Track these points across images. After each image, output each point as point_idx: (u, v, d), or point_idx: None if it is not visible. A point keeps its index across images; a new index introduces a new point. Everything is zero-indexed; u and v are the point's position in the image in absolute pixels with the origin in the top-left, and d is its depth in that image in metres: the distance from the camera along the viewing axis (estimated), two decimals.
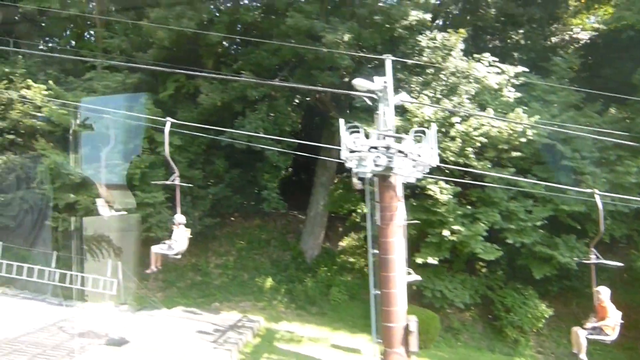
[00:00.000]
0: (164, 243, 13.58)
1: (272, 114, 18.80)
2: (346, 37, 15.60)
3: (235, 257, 22.85)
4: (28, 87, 19.52)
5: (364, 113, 17.96)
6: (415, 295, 18.51)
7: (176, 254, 13.87)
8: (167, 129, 13.06)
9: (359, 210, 20.59)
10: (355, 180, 12.30)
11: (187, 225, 12.36)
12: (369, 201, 14.34)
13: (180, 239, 12.89)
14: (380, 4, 16.23)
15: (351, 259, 22.80)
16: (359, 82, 12.48)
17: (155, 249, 14.06)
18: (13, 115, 20.18)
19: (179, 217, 13.00)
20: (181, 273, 21.99)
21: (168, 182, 13.03)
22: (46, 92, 19.20)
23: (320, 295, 20.66)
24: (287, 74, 18.44)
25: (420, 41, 17.18)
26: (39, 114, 20.33)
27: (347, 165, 11.66)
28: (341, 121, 11.23)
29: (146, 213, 19.18)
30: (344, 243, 23.82)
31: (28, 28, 23.26)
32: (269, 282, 21.45)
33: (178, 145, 19.34)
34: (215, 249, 23.18)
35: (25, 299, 18.31)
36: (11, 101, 20.12)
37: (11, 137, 20.39)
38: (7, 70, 21.01)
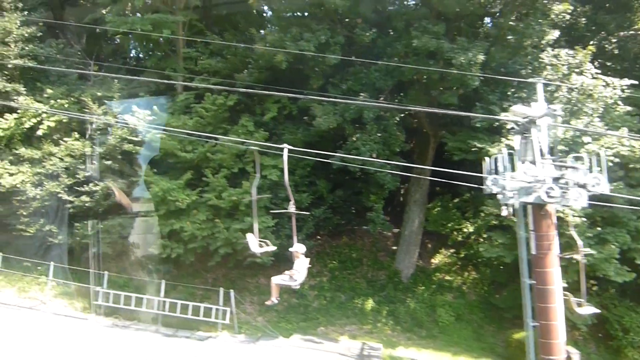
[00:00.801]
0: (285, 274, 13.31)
1: (379, 134, 18.36)
2: (480, 57, 15.16)
3: (328, 277, 22.45)
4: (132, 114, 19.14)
5: (483, 133, 17.56)
6: None
7: (297, 285, 13.63)
8: (285, 156, 12.65)
9: (465, 230, 20.22)
10: (505, 209, 11.95)
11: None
12: (521, 230, 13.94)
13: (301, 269, 12.65)
14: (511, 23, 15.76)
15: (447, 277, 22.37)
16: (517, 109, 12.15)
17: (277, 280, 13.68)
18: (111, 141, 19.83)
19: (299, 247, 12.71)
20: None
21: (286, 211, 12.78)
22: (150, 118, 18.79)
23: (425, 316, 20.27)
24: (399, 95, 17.99)
25: (542, 58, 16.73)
26: (133, 138, 19.99)
27: (500, 197, 11.37)
28: (488, 161, 10.92)
29: None
30: (436, 260, 23.39)
31: (113, 50, 22.95)
32: (369, 303, 21.05)
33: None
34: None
35: (139, 330, 17.94)
36: (108, 126, 19.77)
37: (108, 162, 20.02)
38: (99, 94, 20.66)
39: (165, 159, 19.65)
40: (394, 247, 23.83)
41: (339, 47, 16.84)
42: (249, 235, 13.74)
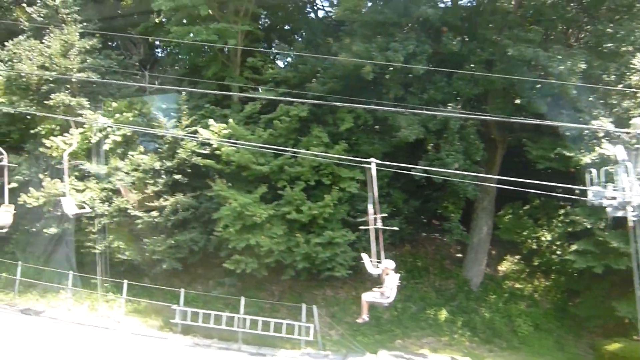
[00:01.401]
0: (375, 291, 13.09)
1: (458, 144, 18.00)
2: (581, 66, 14.79)
3: (398, 286, 22.05)
4: (205, 126, 18.67)
5: (570, 141, 17.20)
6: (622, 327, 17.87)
7: (389, 303, 13.39)
8: (373, 171, 12.42)
9: (543, 238, 19.91)
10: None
11: None
12: (633, 242, 13.66)
13: (392, 285, 12.47)
14: (609, 30, 15.37)
15: (517, 285, 22.06)
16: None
17: (367, 297, 13.47)
18: (181, 154, 19.39)
19: (389, 263, 12.58)
20: (344, 307, 21.29)
21: (374, 227, 12.66)
22: (226, 131, 18.35)
23: (503, 326, 19.97)
24: (478, 103, 17.63)
25: (634, 64, 16.37)
26: (203, 151, 19.54)
27: (610, 210, 11.20)
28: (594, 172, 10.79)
29: (334, 252, 18.43)
30: (503, 267, 23.06)
31: (171, 61, 22.50)
32: (442, 314, 20.72)
33: (361, 180, 18.56)
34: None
35: (223, 349, 17.54)
36: (178, 139, 19.32)
37: (178, 177, 19.59)
38: (164, 105, 20.24)
39: (236, 172, 19.21)
40: (458, 255, 23.52)
41: (425, 57, 16.44)
42: (364, 256, 13.53)
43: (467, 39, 16.88)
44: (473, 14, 17.26)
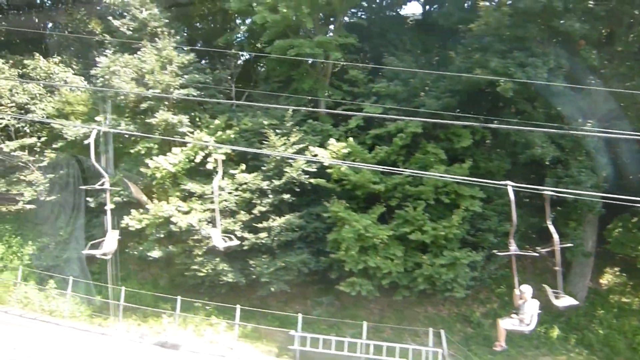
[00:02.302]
0: (513, 317, 12.49)
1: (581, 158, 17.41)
2: None
3: (499, 303, 21.53)
4: (321, 145, 18.01)
5: None
6: None
7: (530, 331, 12.82)
8: (511, 194, 11.69)
9: None
10: None
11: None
12: None
13: (532, 312, 11.91)
14: None
15: (624, 299, 21.51)
16: None
17: (506, 324, 12.81)
18: (290, 173, 18.72)
19: (526, 288, 11.96)
20: (449, 325, 20.72)
21: (509, 253, 11.99)
22: (346, 151, 17.68)
23: (621, 344, 19.44)
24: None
25: None
26: (312, 170, 18.87)
27: None
28: None
29: (457, 273, 17.84)
30: (604, 280, 22.51)
31: (263, 75, 21.79)
32: (554, 331, 20.17)
33: (483, 198, 18.01)
34: (474, 295, 21.89)
35: None
36: (289, 158, 18.63)
37: (286, 196, 18.93)
38: (266, 122, 19.52)
39: (346, 191, 18.57)
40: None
41: (563, 72, 15.79)
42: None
43: (601, 54, 16.20)
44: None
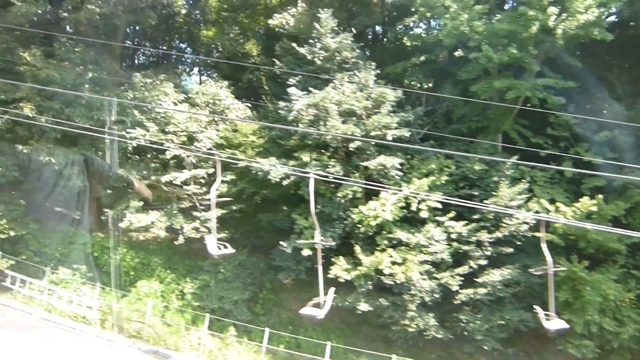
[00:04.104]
0: None
1: None
2: None
3: None
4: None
5: None
6: None
7: None
8: None
9: None
10: None
11: None
12: None
13: None
14: None
15: None
16: None
17: None
18: (511, 227, 17.52)
19: None
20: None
21: None
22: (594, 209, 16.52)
23: None
24: None
25: None
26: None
27: None
28: None
29: None
30: None
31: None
32: None
33: None
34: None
35: None
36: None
37: (508, 250, 17.74)
38: (477, 168, 18.24)
39: (571, 245, 17.48)
40: None
41: None
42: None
43: None
44: None
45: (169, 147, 19.63)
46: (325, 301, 12.41)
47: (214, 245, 12.56)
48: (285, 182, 17.93)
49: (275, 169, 17.68)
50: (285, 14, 22.20)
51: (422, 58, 21.43)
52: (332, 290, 13.09)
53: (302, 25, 21.53)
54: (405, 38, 23.29)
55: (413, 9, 20.35)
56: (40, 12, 18.82)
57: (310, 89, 18.87)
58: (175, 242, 20.81)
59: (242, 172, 20.13)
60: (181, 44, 25.78)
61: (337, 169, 17.92)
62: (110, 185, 21.59)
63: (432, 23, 23.69)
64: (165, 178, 20.09)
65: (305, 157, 17.92)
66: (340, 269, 17.66)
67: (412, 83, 22.13)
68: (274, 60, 21.59)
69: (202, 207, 21.02)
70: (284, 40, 21.93)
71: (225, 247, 12.96)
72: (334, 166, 17.90)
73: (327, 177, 16.57)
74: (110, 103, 19.97)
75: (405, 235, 17.77)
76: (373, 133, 17.53)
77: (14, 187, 21.05)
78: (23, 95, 19.74)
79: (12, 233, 20.47)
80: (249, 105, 21.49)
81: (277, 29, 22.18)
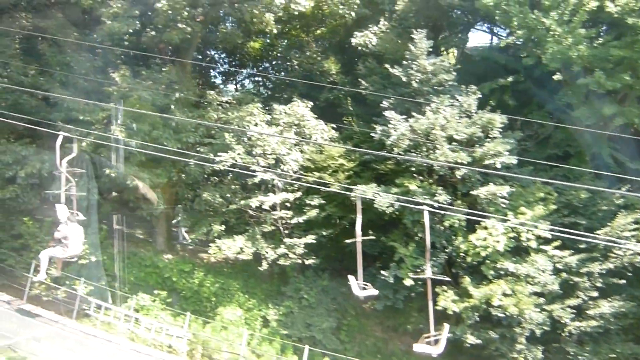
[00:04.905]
0: None
1: None
2: None
3: None
4: None
5: None
6: None
7: None
8: None
9: None
10: None
11: None
12: None
13: None
14: None
15: None
16: None
17: None
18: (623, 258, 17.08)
19: None
20: None
21: None
22: None
23: None
24: None
25: None
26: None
27: None
28: None
29: None
30: None
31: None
32: None
33: None
34: None
35: None
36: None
37: (620, 281, 17.28)
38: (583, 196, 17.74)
39: None
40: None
41: None
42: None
43: None
44: None
45: (255, 170, 18.98)
46: (439, 337, 11.93)
47: (356, 286, 12.15)
48: (389, 210, 17.40)
49: (380, 197, 17.10)
50: (367, 32, 21.61)
51: (510, 79, 20.86)
52: (447, 327, 12.54)
53: (388, 44, 20.98)
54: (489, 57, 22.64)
55: (507, 29, 19.85)
56: (131, 31, 18.13)
57: (412, 113, 18.35)
58: (260, 268, 20.17)
59: (330, 196, 19.57)
60: (258, 63, 24.92)
61: (444, 197, 17.37)
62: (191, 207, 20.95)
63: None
64: (253, 202, 19.44)
65: (412, 186, 17.33)
66: (449, 300, 17.11)
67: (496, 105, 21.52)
68: (358, 79, 21.04)
69: (287, 232, 20.45)
70: (368, 60, 21.37)
71: (366, 287, 12.47)
72: (441, 194, 17.34)
73: (436, 207, 15.99)
74: (196, 125, 19.36)
75: (513, 266, 17.24)
76: (486, 161, 16.96)
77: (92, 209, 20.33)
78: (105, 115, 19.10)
79: (92, 258, 19.72)
80: (334, 126, 20.83)
81: (359, 48, 21.58)
